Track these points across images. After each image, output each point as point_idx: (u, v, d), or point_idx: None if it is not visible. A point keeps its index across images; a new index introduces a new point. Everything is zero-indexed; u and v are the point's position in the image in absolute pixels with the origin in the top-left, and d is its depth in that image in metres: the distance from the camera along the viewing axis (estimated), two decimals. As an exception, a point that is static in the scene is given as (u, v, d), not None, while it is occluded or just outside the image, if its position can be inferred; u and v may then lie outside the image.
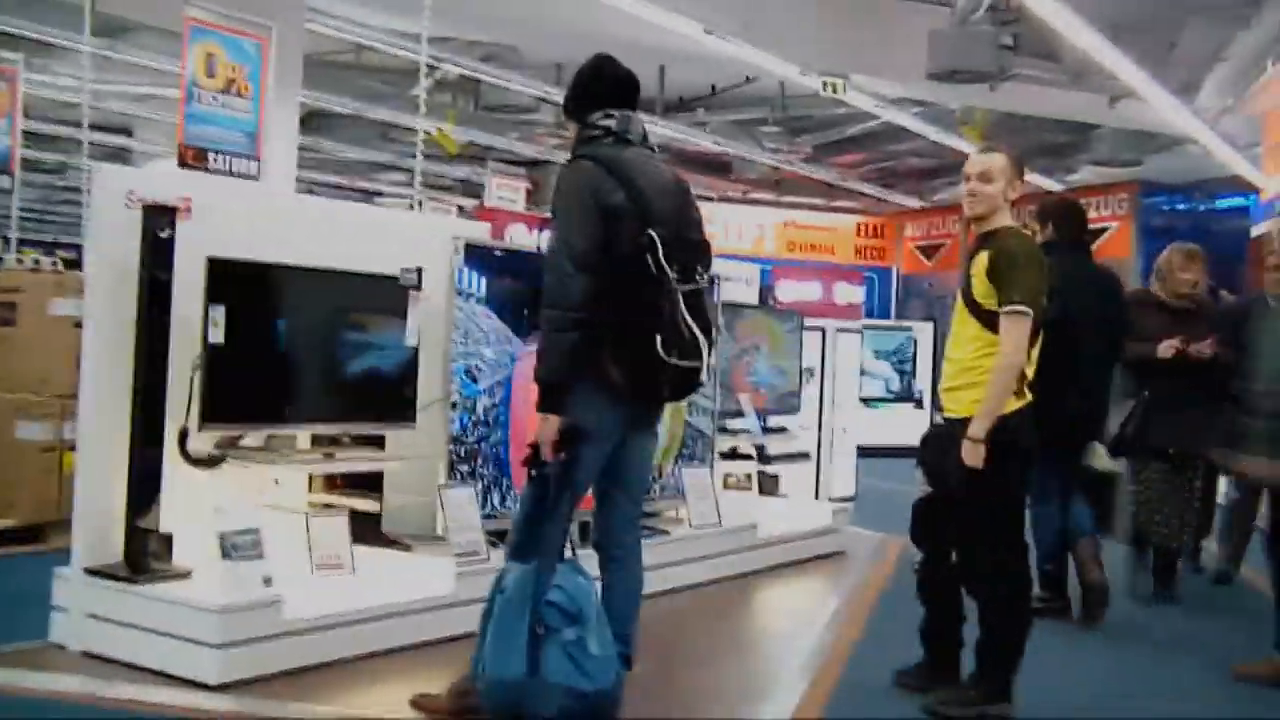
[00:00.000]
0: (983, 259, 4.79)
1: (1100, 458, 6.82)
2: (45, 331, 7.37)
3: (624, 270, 4.18)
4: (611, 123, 4.42)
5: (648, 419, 4.55)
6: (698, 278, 4.30)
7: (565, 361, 4.14)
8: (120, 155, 18.11)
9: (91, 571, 5.06)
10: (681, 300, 4.20)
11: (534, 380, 4.26)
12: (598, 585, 4.38)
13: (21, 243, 13.07)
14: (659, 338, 4.13)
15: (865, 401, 12.60)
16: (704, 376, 4.36)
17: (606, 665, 4.13)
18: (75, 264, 9.67)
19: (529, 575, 4.12)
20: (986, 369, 4.73)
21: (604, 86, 4.53)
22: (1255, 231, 12.97)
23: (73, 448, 5.98)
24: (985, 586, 4.89)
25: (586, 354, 4.16)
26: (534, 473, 4.26)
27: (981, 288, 4.78)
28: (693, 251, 4.33)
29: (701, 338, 4.23)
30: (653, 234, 4.18)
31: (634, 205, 4.24)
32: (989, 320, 4.76)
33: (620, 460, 4.45)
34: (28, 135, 11.55)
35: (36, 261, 8.86)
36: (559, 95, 14.15)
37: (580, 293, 4.11)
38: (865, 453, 11.38)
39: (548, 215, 4.40)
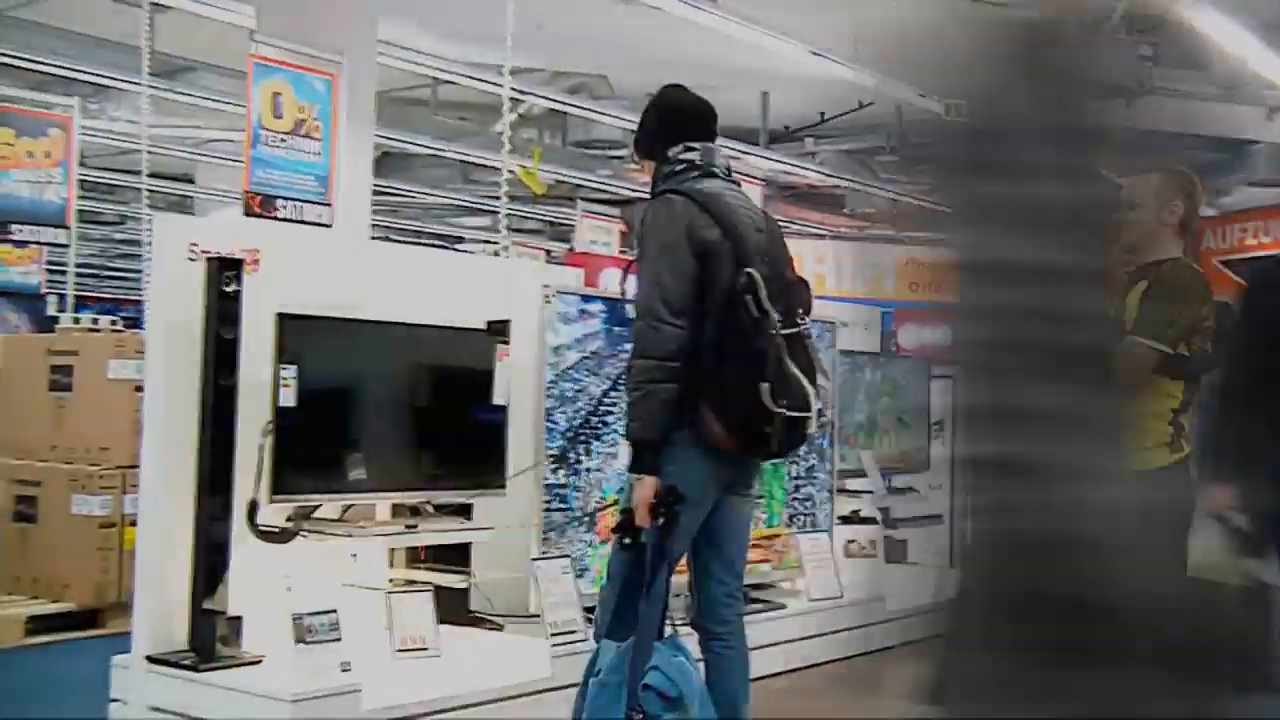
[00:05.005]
0: (1139, 289, 4.67)
1: None
2: (104, 396, 7.44)
3: (721, 313, 4.15)
4: (694, 155, 4.41)
5: (746, 479, 4.48)
6: (799, 320, 4.27)
7: (660, 416, 4.10)
8: (181, 204, 18.41)
9: (154, 659, 5.06)
10: (784, 344, 4.16)
11: (625, 439, 4.21)
12: (700, 667, 4.30)
13: (79, 301, 13.37)
14: (766, 386, 4.07)
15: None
16: (813, 428, 4.28)
17: None
18: (136, 322, 9.81)
19: (624, 657, 4.06)
20: (1146, 414, 4.60)
21: (680, 119, 4.54)
22: None
23: (134, 523, 6.02)
24: None
25: (683, 407, 4.11)
26: (626, 542, 4.21)
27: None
28: (791, 291, 4.33)
29: (808, 385, 4.18)
30: (752, 273, 4.15)
31: (729, 242, 4.22)
32: None
33: (718, 526, 4.39)
34: (84, 184, 11.80)
35: (95, 320, 8.98)
36: (654, 127, 14.25)
37: (675, 340, 4.09)
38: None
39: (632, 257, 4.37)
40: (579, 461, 6.11)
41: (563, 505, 6.09)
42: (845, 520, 8.18)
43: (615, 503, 6.03)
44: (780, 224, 4.64)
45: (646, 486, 4.12)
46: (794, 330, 4.23)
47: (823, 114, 15.63)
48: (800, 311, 4.31)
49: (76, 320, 8.99)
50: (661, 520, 4.11)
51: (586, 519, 6.15)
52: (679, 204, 4.26)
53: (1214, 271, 19.91)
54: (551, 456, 6.02)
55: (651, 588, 4.11)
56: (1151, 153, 3.97)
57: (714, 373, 4.14)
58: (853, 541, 8.20)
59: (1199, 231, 20.11)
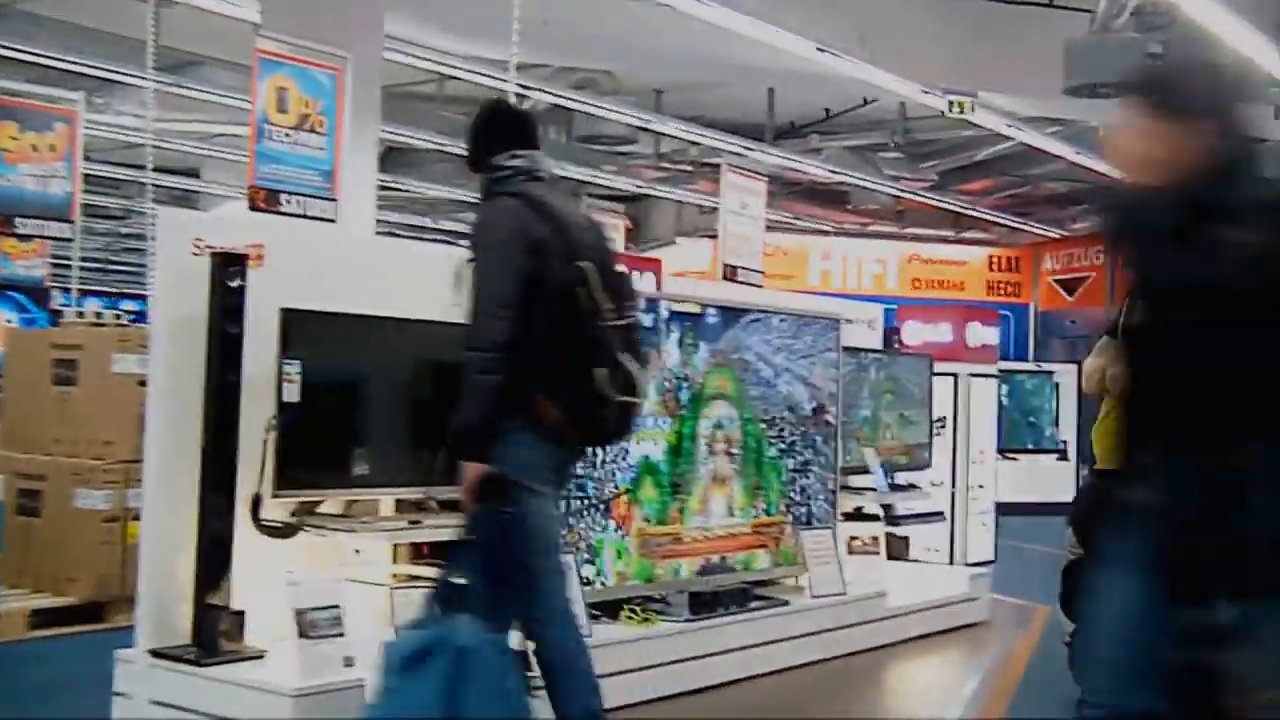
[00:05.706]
0: None
1: None
2: (107, 391, 7.44)
3: (555, 306, 4.34)
4: (521, 161, 4.59)
5: (573, 467, 4.81)
6: (628, 310, 4.48)
7: (487, 405, 4.27)
8: (187, 198, 18.41)
9: (157, 653, 5.06)
10: (616, 334, 4.39)
11: (453, 426, 4.37)
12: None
13: (83, 294, 13.37)
14: (600, 373, 4.30)
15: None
16: (642, 413, 4.58)
17: None
18: (141, 317, 9.82)
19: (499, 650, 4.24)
20: None
21: (504, 128, 4.74)
22: None
23: (137, 517, 6.01)
24: None
25: (520, 397, 4.29)
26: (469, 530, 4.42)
27: None
28: (621, 285, 4.53)
29: (638, 372, 4.42)
30: (582, 266, 4.36)
31: (559, 240, 4.40)
32: None
33: None
34: (89, 179, 11.79)
35: (99, 314, 8.99)
36: (659, 124, 14.24)
37: (503, 333, 4.26)
38: (1005, 510, 11.20)
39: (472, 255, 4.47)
40: (595, 453, 6.16)
41: (581, 493, 6.15)
42: (849, 517, 8.18)
43: (629, 491, 6.26)
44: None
45: (472, 470, 4.29)
46: (624, 320, 4.44)
47: (828, 110, 15.61)
48: (628, 303, 4.51)
49: (80, 314, 8.99)
50: (497, 505, 4.28)
51: (602, 506, 6.27)
52: (508, 205, 4.45)
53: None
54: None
55: (503, 571, 4.33)
56: None
57: (550, 362, 4.32)
58: (855, 538, 8.20)
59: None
